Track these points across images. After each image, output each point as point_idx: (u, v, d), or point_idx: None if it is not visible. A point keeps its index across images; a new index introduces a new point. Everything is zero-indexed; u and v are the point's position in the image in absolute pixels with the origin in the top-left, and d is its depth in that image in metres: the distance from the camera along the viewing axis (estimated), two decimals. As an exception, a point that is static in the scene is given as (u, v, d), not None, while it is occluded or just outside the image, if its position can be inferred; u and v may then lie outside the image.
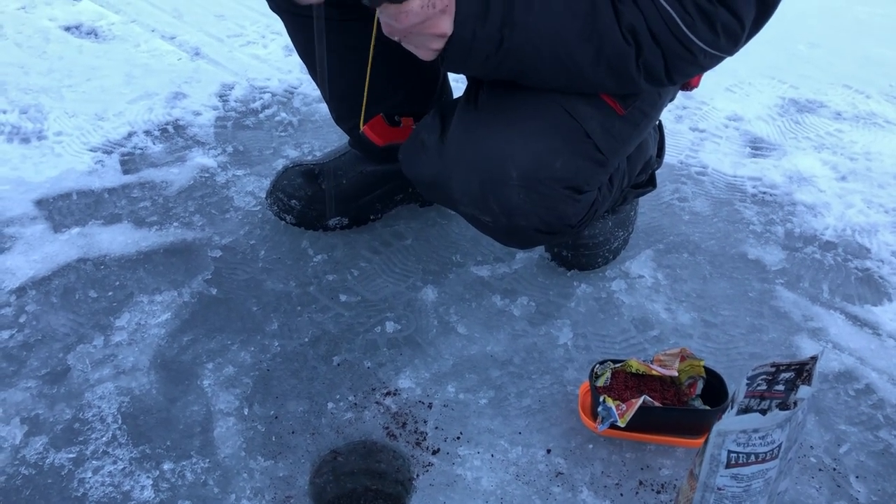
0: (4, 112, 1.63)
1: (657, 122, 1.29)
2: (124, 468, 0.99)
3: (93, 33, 1.97)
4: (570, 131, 0.96)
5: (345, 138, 1.45)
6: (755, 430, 0.78)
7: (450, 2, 0.85)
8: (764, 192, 1.58)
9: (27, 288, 1.24)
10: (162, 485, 0.98)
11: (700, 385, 1.09)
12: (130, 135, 1.61)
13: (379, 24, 0.88)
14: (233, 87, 1.78)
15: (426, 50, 0.89)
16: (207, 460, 1.01)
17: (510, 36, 0.87)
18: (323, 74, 1.00)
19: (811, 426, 1.12)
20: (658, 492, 1.02)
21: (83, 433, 1.04)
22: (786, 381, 0.85)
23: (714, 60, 0.92)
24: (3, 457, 1.00)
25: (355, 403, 1.10)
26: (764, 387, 0.85)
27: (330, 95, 1.27)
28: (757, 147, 1.72)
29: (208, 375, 1.13)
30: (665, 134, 1.37)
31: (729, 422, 0.78)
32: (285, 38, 1.94)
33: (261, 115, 1.70)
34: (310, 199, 1.36)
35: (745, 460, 0.80)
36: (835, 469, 1.06)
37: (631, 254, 1.40)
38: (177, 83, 1.77)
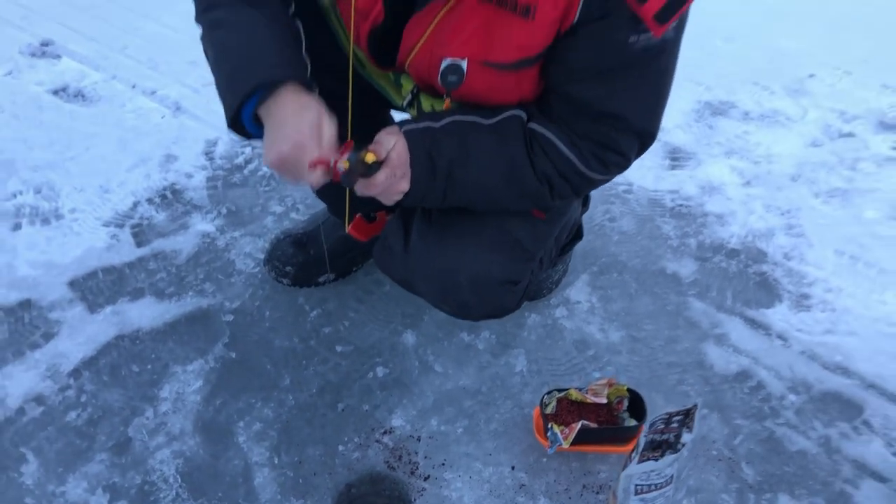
0: (21, 193, 1.86)
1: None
2: (191, 520, 1.30)
3: (80, 95, 2.17)
4: (504, 242, 1.24)
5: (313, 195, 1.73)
6: (652, 471, 1.10)
7: (407, 169, 1.11)
8: (681, 205, 1.87)
9: (80, 369, 1.52)
10: (222, 531, 1.29)
11: (626, 402, 1.41)
12: (135, 205, 1.85)
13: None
14: (216, 143, 2.01)
15: (389, 201, 1.15)
16: (254, 507, 1.32)
17: (452, 188, 1.14)
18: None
19: (714, 423, 1.45)
20: (597, 492, 1.34)
21: (153, 493, 1.34)
22: (677, 421, 1.16)
23: (607, 182, 1.20)
24: (96, 521, 1.30)
25: (360, 444, 1.41)
26: (662, 427, 1.17)
27: (322, 195, 1.55)
28: (675, 158, 2.00)
29: (241, 433, 1.43)
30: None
31: (633, 468, 1.10)
32: (255, 84, 2.16)
33: (245, 171, 1.95)
34: (301, 265, 1.64)
35: (647, 489, 1.12)
36: (730, 458, 1.40)
37: (571, 279, 1.70)
38: (166, 144, 2.00)
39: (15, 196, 1.87)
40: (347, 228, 1.37)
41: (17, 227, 1.79)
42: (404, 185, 1.12)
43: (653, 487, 1.12)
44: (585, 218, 1.75)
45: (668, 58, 1.10)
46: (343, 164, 1.04)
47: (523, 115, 1.16)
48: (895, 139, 2.05)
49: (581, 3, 1.01)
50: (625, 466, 1.13)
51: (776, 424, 1.45)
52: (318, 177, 1.06)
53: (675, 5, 1.00)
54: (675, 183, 1.93)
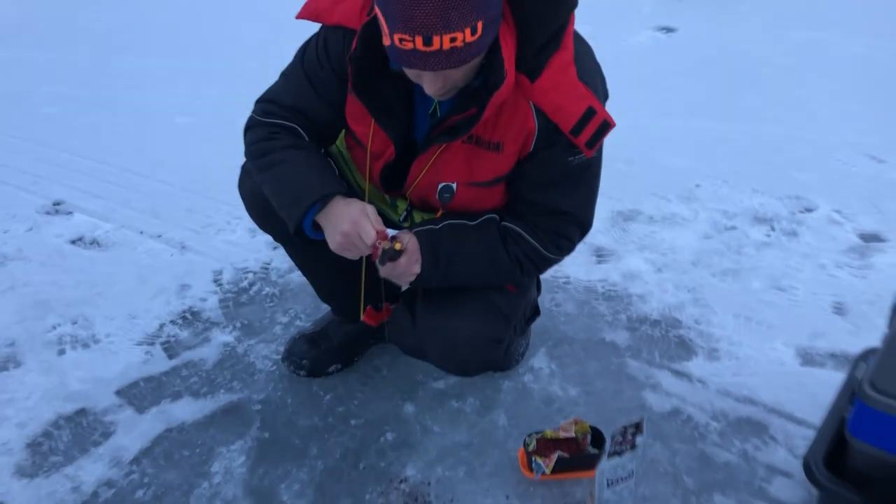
0: (60, 325, 2.18)
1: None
2: (255, 562, 1.59)
3: (95, 243, 2.53)
4: (489, 309, 1.67)
5: (315, 302, 2.12)
6: (619, 466, 1.48)
7: (419, 256, 1.53)
8: (609, 290, 2.34)
9: (139, 458, 1.81)
10: (283, 567, 1.59)
11: (589, 437, 1.80)
12: (161, 326, 2.19)
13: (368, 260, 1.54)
14: (222, 272, 2.39)
15: (405, 282, 1.57)
16: (305, 546, 1.63)
17: (450, 271, 1.57)
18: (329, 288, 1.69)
19: (658, 449, 1.84)
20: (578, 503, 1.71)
21: (219, 546, 1.63)
22: (632, 432, 1.56)
23: (560, 261, 1.66)
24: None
25: (382, 492, 1.74)
26: (621, 438, 1.56)
27: (328, 299, 1.94)
28: (600, 255, 2.49)
29: (283, 493, 1.74)
30: (540, 274, 2.10)
31: (605, 465, 1.48)
32: (248, 222, 2.58)
33: (251, 292, 2.32)
34: (314, 358, 2.00)
35: (616, 482, 1.50)
36: (673, 472, 1.79)
37: (532, 352, 2.10)
38: (179, 276, 2.36)
39: (55, 328, 2.18)
40: (362, 316, 1.77)
41: (61, 352, 2.10)
42: (417, 269, 1.54)
43: (619, 480, 1.50)
44: (541, 302, 2.19)
45: (596, 169, 1.59)
46: (384, 245, 1.46)
47: (496, 217, 1.61)
48: (767, 229, 2.60)
49: (535, 138, 1.49)
50: (596, 467, 1.51)
51: (705, 444, 1.86)
52: (369, 248, 1.47)
53: (598, 135, 1.49)
54: (603, 273, 2.40)
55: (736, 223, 2.63)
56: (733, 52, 3.90)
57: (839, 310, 2.25)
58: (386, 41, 1.33)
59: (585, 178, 1.58)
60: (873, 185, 2.85)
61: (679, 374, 2.05)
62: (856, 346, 1.96)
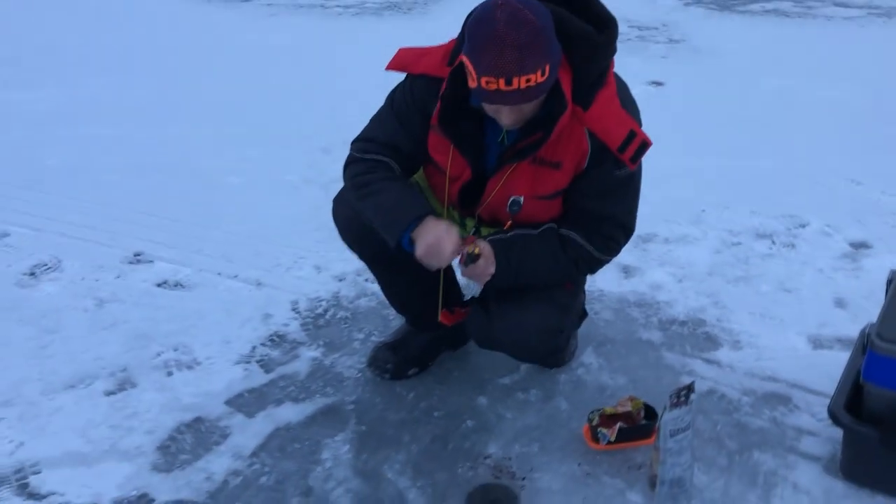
0: (163, 353, 2.47)
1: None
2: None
3: (179, 285, 2.84)
4: (552, 304, 2.00)
5: (383, 322, 2.46)
6: (679, 418, 1.80)
7: (493, 259, 1.87)
8: (639, 299, 2.68)
9: (257, 452, 2.09)
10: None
11: (643, 411, 2.11)
12: (253, 349, 2.49)
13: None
14: (298, 302, 2.70)
15: (482, 282, 1.90)
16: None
17: (519, 272, 1.91)
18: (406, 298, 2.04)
19: (701, 420, 2.15)
20: (638, 468, 2.00)
21: (340, 515, 1.90)
22: (685, 392, 1.88)
23: (609, 262, 2.01)
24: None
25: (471, 466, 2.03)
26: (676, 398, 1.87)
27: (403, 310, 2.28)
28: (627, 272, 2.84)
29: (387, 472, 2.02)
30: (583, 282, 2.45)
31: (667, 416, 1.79)
32: (311, 260, 2.92)
33: (326, 317, 2.64)
34: (396, 363, 2.31)
35: (676, 432, 1.81)
36: (717, 438, 2.10)
37: (581, 352, 2.42)
38: (260, 307, 2.68)
39: (159, 355, 2.48)
40: (440, 317, 2.10)
41: (169, 373, 2.40)
42: (492, 270, 1.89)
43: (679, 430, 1.81)
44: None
45: (637, 181, 1.96)
46: (469, 249, 1.81)
47: (555, 225, 1.96)
48: (769, 243, 2.97)
49: (588, 157, 1.86)
50: (660, 419, 1.82)
51: (740, 415, 2.18)
52: (449, 258, 1.82)
53: (640, 152, 1.86)
54: (631, 286, 2.75)
55: (741, 239, 3.00)
56: (716, 100, 4.36)
57: (840, 303, 2.61)
58: (472, 84, 1.70)
59: (629, 189, 1.95)
60: (855, 204, 3.25)
61: (709, 361, 2.38)
62: (857, 331, 2.30)
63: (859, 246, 2.94)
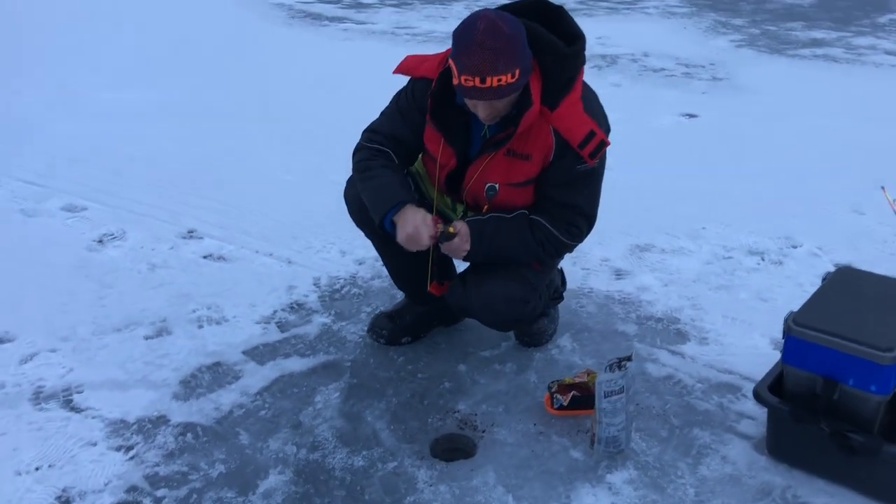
0: (198, 310, 2.86)
1: (559, 269, 2.65)
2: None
3: (221, 258, 3.25)
4: (518, 279, 2.30)
5: (391, 299, 2.77)
6: (612, 381, 2.06)
7: (468, 238, 2.19)
8: (624, 298, 2.93)
9: (261, 392, 2.45)
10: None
11: (598, 386, 2.37)
12: (274, 312, 2.86)
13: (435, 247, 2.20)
14: (320, 279, 3.07)
15: (459, 256, 2.22)
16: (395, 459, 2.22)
17: (491, 249, 2.21)
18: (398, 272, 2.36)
19: (653, 400, 2.39)
20: (586, 432, 2.26)
21: (319, 448, 2.23)
22: (622, 360, 2.13)
23: (573, 247, 2.29)
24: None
25: (440, 418, 2.33)
26: (615, 361, 2.13)
27: (399, 281, 2.61)
28: (618, 274, 3.09)
29: (367, 416, 2.34)
30: (565, 273, 2.72)
31: (601, 377, 2.06)
32: (339, 246, 3.28)
33: (342, 292, 2.99)
34: (391, 331, 2.64)
35: (610, 393, 2.07)
36: (663, 415, 2.33)
37: (559, 335, 2.69)
38: (287, 280, 3.05)
39: (194, 311, 2.87)
40: (429, 287, 2.42)
41: (200, 326, 2.79)
42: (467, 247, 2.20)
43: (613, 392, 2.07)
44: (565, 306, 2.80)
45: (598, 176, 2.25)
46: (441, 228, 2.13)
47: (526, 211, 2.26)
48: (758, 259, 3.18)
49: (553, 151, 2.16)
50: (596, 381, 2.08)
51: (690, 398, 2.41)
52: (424, 244, 2.14)
53: (598, 149, 2.15)
54: (620, 286, 3.00)
55: (732, 254, 3.22)
56: (743, 132, 4.56)
57: (809, 314, 2.79)
58: (455, 81, 2.04)
59: (590, 182, 2.23)
60: (853, 231, 3.41)
61: (674, 353, 2.62)
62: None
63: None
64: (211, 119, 4.89)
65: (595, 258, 3.19)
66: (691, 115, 4.80)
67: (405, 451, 2.21)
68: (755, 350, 2.61)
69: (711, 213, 3.53)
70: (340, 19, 7.52)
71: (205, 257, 3.27)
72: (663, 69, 5.71)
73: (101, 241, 3.39)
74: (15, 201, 3.75)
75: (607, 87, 5.13)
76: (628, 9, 7.79)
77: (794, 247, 3.28)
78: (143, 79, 5.75)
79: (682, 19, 7.29)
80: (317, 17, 7.61)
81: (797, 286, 2.98)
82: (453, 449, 2.25)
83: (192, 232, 3.46)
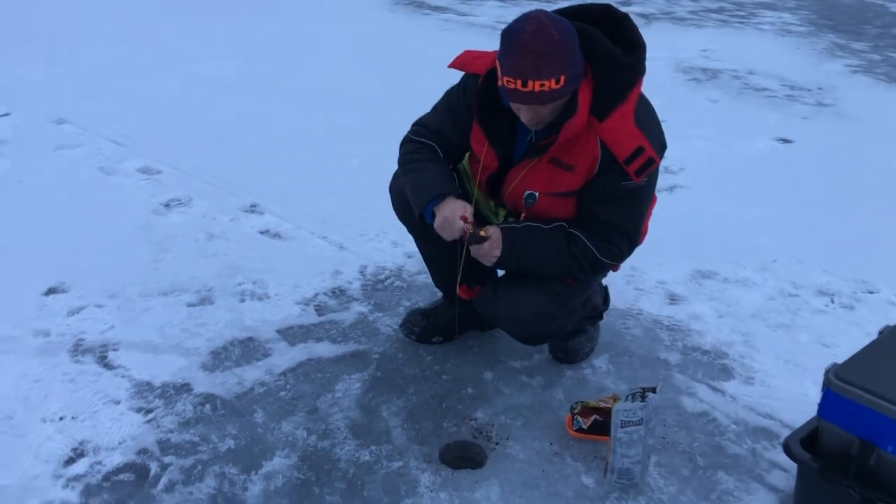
0: (244, 284, 2.91)
1: (604, 287, 2.55)
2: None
3: (277, 236, 3.29)
4: (550, 293, 2.22)
5: (431, 296, 2.72)
6: (630, 411, 1.96)
7: (500, 244, 2.12)
8: (674, 324, 2.80)
9: (286, 373, 2.46)
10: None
11: (624, 413, 2.26)
12: (316, 295, 2.87)
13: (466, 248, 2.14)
14: (367, 267, 3.06)
15: (489, 262, 2.15)
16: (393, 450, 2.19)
17: (524, 259, 2.14)
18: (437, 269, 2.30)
19: (682, 436, 2.27)
20: (603, 458, 2.17)
21: (330, 435, 2.22)
22: (645, 391, 2.03)
23: (612, 266, 2.19)
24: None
25: (456, 424, 2.28)
26: (636, 391, 2.03)
27: (437, 280, 2.56)
28: (673, 299, 2.96)
29: (384, 411, 2.31)
30: (609, 291, 2.62)
31: (619, 407, 1.96)
32: (392, 236, 3.26)
33: (385, 283, 2.97)
34: (424, 327, 2.60)
35: (627, 423, 1.97)
36: (689, 453, 2.21)
37: (597, 355, 2.60)
38: (335, 264, 3.06)
39: (240, 284, 2.92)
40: (458, 290, 2.36)
41: (242, 300, 2.83)
42: (497, 253, 2.13)
43: (630, 423, 1.97)
44: (607, 325, 2.69)
45: (644, 194, 2.14)
46: (469, 228, 2.07)
47: (565, 224, 2.18)
48: (827, 301, 2.97)
49: (598, 164, 2.07)
50: (614, 409, 1.99)
51: (722, 439, 2.27)
52: (458, 232, 2.08)
53: (645, 167, 2.04)
54: (671, 312, 2.86)
55: (800, 293, 3.02)
56: (838, 163, 4.28)
57: (872, 366, 2.59)
58: (499, 82, 1.97)
59: (635, 201, 2.13)
60: (941, 283, 3.15)
61: (715, 389, 2.48)
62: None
63: (924, 321, 2.87)
64: (293, 99, 4.95)
65: (651, 279, 3.06)
66: (786, 140, 4.54)
67: (414, 452, 2.17)
68: (803, 398, 2.43)
69: (786, 246, 3.33)
70: (443, 9, 7.49)
71: (261, 233, 3.32)
72: (766, 89, 5.42)
73: (167, 206, 3.49)
74: (96, 158, 3.92)
75: (703, 101, 4.91)
76: (741, 23, 7.44)
77: (871, 292, 3.05)
78: (240, 52, 5.89)
79: (797, 38, 6.91)
80: (420, 5, 7.62)
81: (865, 335, 2.74)
82: (462, 457, 2.20)
83: (254, 206, 3.52)
